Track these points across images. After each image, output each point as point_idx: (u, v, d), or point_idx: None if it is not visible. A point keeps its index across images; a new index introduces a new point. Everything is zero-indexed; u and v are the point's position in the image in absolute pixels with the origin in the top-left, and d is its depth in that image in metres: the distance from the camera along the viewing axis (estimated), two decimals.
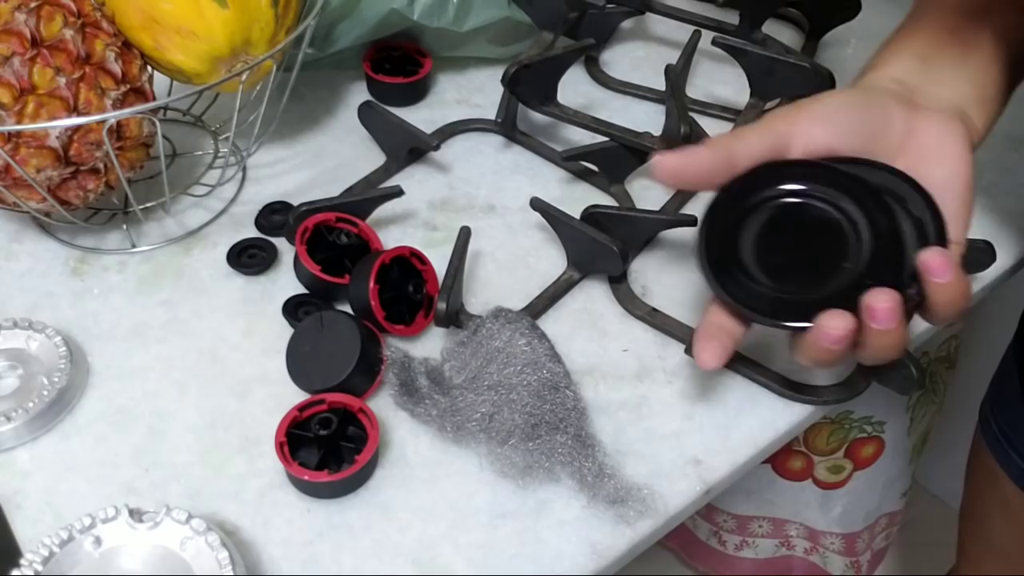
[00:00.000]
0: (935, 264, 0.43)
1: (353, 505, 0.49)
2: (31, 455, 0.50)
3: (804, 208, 0.47)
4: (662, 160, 0.47)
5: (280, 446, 0.48)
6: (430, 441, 0.51)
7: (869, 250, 0.45)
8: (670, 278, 0.61)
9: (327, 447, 0.49)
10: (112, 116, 0.53)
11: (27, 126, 0.52)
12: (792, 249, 0.47)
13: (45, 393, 0.51)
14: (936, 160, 0.47)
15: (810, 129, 0.47)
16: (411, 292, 0.56)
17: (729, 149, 0.47)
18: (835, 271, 0.45)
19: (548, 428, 0.50)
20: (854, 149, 0.47)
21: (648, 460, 0.51)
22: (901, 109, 0.48)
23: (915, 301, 0.44)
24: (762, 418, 0.53)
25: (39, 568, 0.41)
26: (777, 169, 0.47)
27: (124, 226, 0.62)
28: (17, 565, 0.42)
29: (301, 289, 0.59)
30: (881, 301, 0.43)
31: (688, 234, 0.63)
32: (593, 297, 0.60)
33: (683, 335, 0.56)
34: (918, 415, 1.04)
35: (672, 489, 0.50)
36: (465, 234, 0.57)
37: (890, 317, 0.43)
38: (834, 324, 0.43)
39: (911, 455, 1.09)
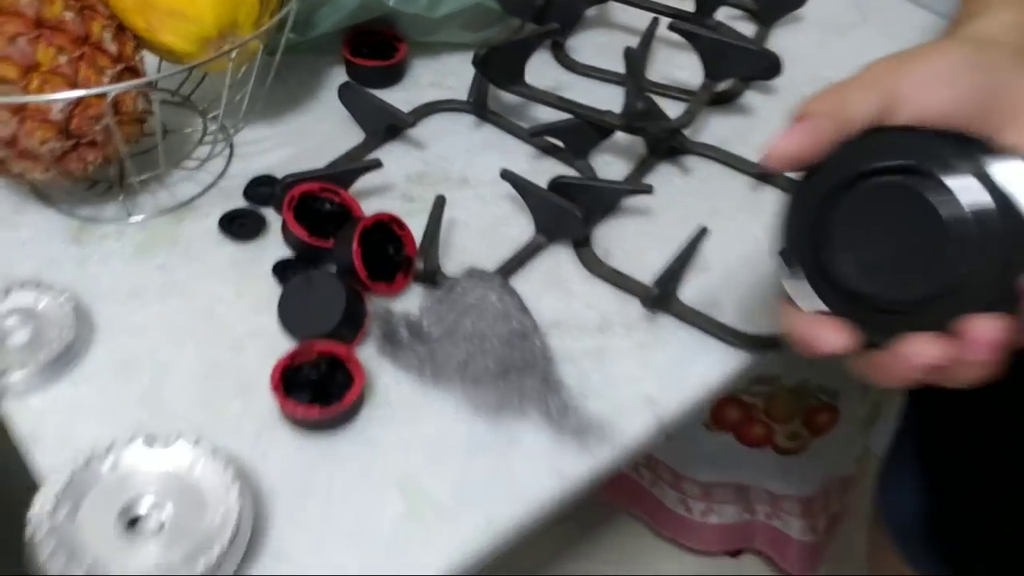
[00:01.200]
0: None
1: (343, 441, 0.53)
2: (43, 400, 0.54)
3: (908, 189, 0.39)
4: (776, 150, 0.41)
5: (275, 385, 0.53)
6: (411, 386, 0.56)
7: (976, 249, 0.37)
8: (630, 243, 0.66)
9: (317, 390, 0.53)
10: (113, 89, 0.57)
11: (36, 97, 0.56)
12: (887, 238, 0.40)
13: (54, 345, 0.55)
14: None
15: (922, 91, 0.39)
16: (391, 254, 0.61)
17: (839, 117, 0.40)
18: (932, 270, 0.38)
19: (518, 372, 0.55)
20: (967, 119, 0.39)
21: (608, 400, 0.56)
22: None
23: None
24: (712, 364, 0.58)
25: (58, 489, 0.46)
26: (883, 137, 0.40)
27: (121, 197, 0.66)
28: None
29: (289, 254, 0.63)
30: (986, 330, 0.35)
31: (646, 203, 0.69)
32: (560, 260, 0.65)
33: (640, 292, 0.61)
34: (870, 385, 1.10)
35: (629, 424, 0.55)
36: (440, 200, 0.62)
37: (993, 349, 0.36)
38: (921, 352, 0.36)
39: (863, 423, 1.15)
